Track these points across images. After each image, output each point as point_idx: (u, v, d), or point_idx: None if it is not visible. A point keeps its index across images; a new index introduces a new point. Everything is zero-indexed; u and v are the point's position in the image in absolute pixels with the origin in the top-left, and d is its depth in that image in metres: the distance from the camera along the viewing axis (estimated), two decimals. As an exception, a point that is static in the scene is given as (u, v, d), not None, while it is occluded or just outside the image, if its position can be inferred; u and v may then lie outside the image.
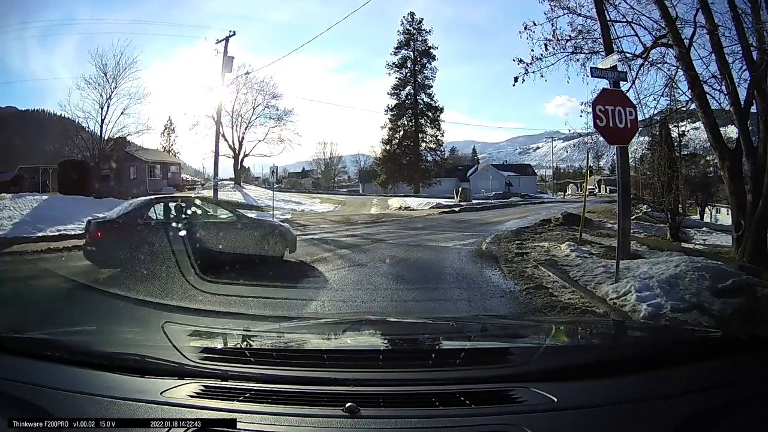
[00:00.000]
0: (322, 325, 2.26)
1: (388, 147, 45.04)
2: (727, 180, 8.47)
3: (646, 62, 9.11)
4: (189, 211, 7.91)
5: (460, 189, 35.89)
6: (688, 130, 18.52)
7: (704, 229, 18.50)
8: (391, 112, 44.86)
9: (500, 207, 27.83)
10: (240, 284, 5.65)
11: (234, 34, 18.62)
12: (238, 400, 1.10)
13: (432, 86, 44.92)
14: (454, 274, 6.83)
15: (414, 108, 44.42)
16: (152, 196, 10.64)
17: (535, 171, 66.94)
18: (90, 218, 7.81)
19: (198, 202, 8.94)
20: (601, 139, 7.64)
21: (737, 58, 8.02)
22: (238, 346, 1.69)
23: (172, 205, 8.00)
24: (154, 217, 7.39)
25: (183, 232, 6.84)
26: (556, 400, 1.04)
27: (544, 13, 9.25)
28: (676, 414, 1.00)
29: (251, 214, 8.44)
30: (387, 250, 9.21)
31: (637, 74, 9.04)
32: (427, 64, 44.74)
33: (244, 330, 2.05)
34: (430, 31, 44.84)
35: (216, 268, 6.16)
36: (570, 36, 9.24)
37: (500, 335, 1.88)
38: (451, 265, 7.54)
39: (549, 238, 10.01)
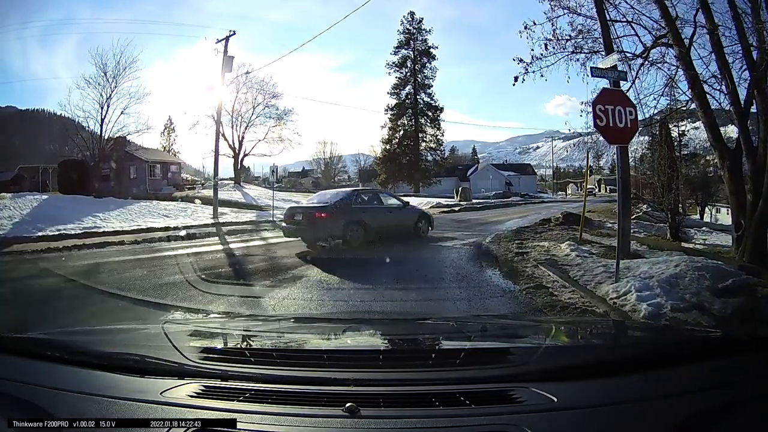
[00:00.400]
0: (322, 325, 2.25)
1: (388, 146, 45.01)
2: (727, 180, 8.46)
3: (646, 62, 9.11)
4: (375, 200, 10.63)
5: (460, 188, 35.93)
6: (688, 130, 18.55)
7: (704, 228, 18.50)
8: (391, 112, 44.88)
9: (500, 206, 27.83)
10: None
11: (234, 33, 18.63)
12: (238, 400, 1.10)
13: (432, 86, 44.98)
14: (454, 274, 6.83)
15: (414, 107, 44.38)
16: (354, 188, 13.60)
17: (535, 170, 67.02)
18: (292, 205, 11.68)
19: (380, 194, 11.74)
20: (601, 138, 7.64)
21: (737, 57, 8.02)
22: (238, 346, 1.68)
23: (364, 195, 10.65)
24: (357, 204, 9.91)
25: (374, 214, 9.87)
26: (556, 400, 1.04)
27: (544, 13, 9.25)
28: (676, 414, 0.99)
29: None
30: (387, 249, 9.19)
31: (637, 74, 9.04)
32: (427, 64, 44.78)
33: (244, 330, 2.05)
34: (430, 31, 44.92)
35: (395, 237, 9.78)
36: (570, 35, 9.24)
37: (500, 335, 1.88)
38: (452, 265, 7.54)
39: (549, 238, 10.00)
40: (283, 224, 10.18)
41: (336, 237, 9.07)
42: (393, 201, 11.20)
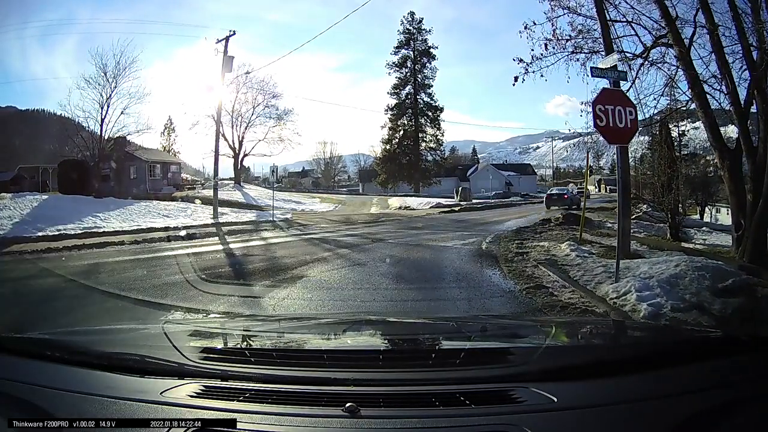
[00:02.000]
0: (322, 325, 2.25)
1: (388, 146, 45.01)
2: (727, 180, 8.47)
3: (646, 62, 9.12)
4: (573, 191, 26.44)
5: (460, 188, 35.95)
6: (688, 130, 18.58)
7: (704, 228, 18.49)
8: (391, 112, 44.88)
9: (500, 206, 27.88)
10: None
11: (234, 33, 18.65)
12: (238, 400, 1.09)
13: (432, 86, 45.05)
14: (454, 274, 6.84)
15: (414, 107, 44.38)
16: (568, 185, 28.75)
17: (535, 170, 67.00)
18: (548, 192, 27.14)
19: (572, 187, 33.23)
20: (601, 138, 7.64)
21: (737, 57, 8.03)
22: (238, 346, 1.68)
23: (573, 188, 30.28)
24: (571, 192, 25.76)
25: (574, 197, 23.91)
26: (556, 400, 1.03)
27: (544, 13, 9.27)
28: (676, 414, 0.99)
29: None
30: (387, 250, 9.22)
31: (637, 74, 9.06)
32: (427, 64, 44.80)
33: (244, 330, 2.05)
34: (430, 31, 44.94)
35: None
36: (570, 36, 9.25)
37: (500, 335, 1.87)
38: (452, 265, 7.54)
39: (549, 238, 10.01)
40: (545, 199, 24.63)
41: (568, 205, 21.44)
42: (578, 190, 26.84)
